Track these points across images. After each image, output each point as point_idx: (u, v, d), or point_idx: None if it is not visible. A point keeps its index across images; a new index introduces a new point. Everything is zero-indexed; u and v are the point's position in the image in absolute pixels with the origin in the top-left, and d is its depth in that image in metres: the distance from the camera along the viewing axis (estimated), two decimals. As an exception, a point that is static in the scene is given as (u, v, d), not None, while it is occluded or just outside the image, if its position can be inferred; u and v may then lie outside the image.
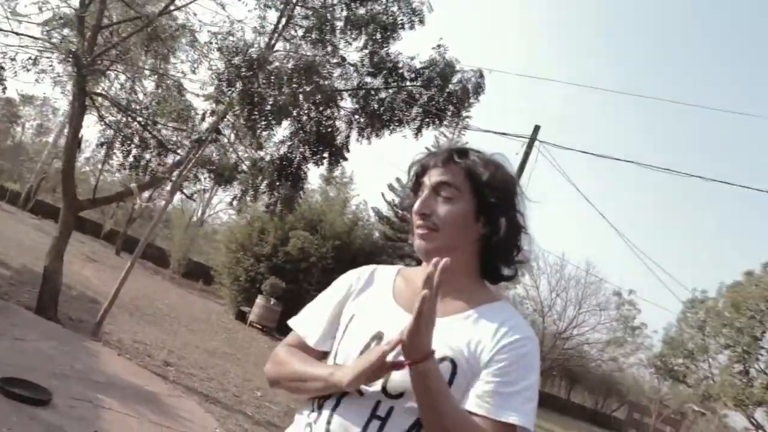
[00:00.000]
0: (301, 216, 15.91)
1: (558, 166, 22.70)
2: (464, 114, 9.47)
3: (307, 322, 1.44)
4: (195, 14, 8.37)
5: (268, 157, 8.80)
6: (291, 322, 1.47)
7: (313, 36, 8.52)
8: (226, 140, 8.83)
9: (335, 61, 8.41)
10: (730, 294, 25.78)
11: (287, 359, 1.37)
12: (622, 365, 32.22)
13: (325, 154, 8.97)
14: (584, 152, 13.57)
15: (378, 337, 1.28)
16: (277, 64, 8.12)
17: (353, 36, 8.65)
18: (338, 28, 8.62)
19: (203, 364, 8.19)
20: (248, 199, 9.28)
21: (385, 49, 8.61)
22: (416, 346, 1.13)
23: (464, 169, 1.32)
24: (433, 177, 1.34)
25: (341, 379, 1.21)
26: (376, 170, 45.29)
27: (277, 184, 8.80)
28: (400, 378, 1.21)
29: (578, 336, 29.86)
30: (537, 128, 10.73)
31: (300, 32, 8.60)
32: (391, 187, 21.35)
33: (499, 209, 1.32)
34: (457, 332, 1.26)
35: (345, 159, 9.31)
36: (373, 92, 8.83)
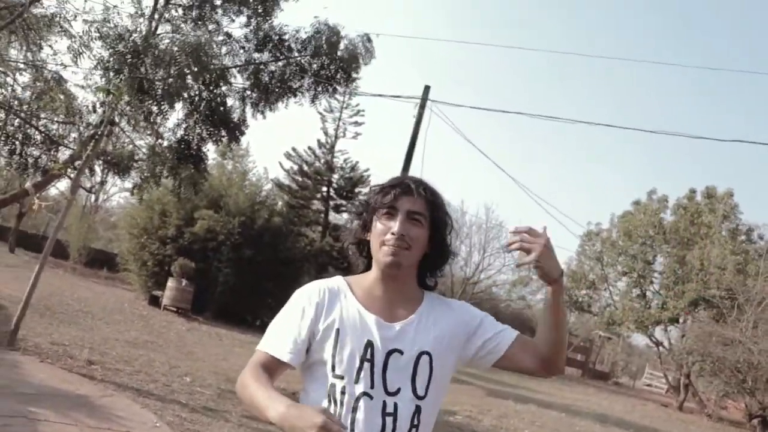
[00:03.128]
0: (203, 194, 15.70)
1: (451, 122, 23.26)
2: (355, 77, 9.66)
3: (280, 343, 1.58)
4: (66, 1, 7.97)
5: (165, 142, 8.69)
6: (262, 347, 1.61)
7: (194, 14, 8.39)
8: (119, 130, 8.63)
9: (221, 38, 8.34)
10: (622, 224, 27.34)
11: (250, 383, 1.51)
12: (530, 302, 33.77)
13: (223, 133, 8.95)
14: (474, 108, 14.14)
15: (370, 345, 1.56)
16: (162, 47, 7.98)
17: (235, 11, 8.58)
18: (218, 4, 8.52)
19: (127, 357, 8.17)
20: (149, 185, 9.15)
21: (269, 22, 8.60)
22: (554, 266, 1.58)
23: (427, 202, 1.66)
24: (406, 205, 1.62)
25: (273, 418, 1.38)
26: (273, 138, 44.61)
27: (179, 167, 8.73)
28: (394, 379, 1.54)
29: (486, 279, 31.06)
30: (427, 88, 11.06)
31: (180, 12, 8.43)
32: (288, 156, 21.25)
33: (441, 236, 1.68)
34: (424, 331, 1.62)
35: (243, 134, 9.33)
36: (262, 66, 8.84)
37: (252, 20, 8.46)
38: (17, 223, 21.48)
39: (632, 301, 26.61)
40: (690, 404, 24.19)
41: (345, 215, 20.41)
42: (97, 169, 9.75)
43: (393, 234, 1.59)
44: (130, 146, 8.73)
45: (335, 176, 20.77)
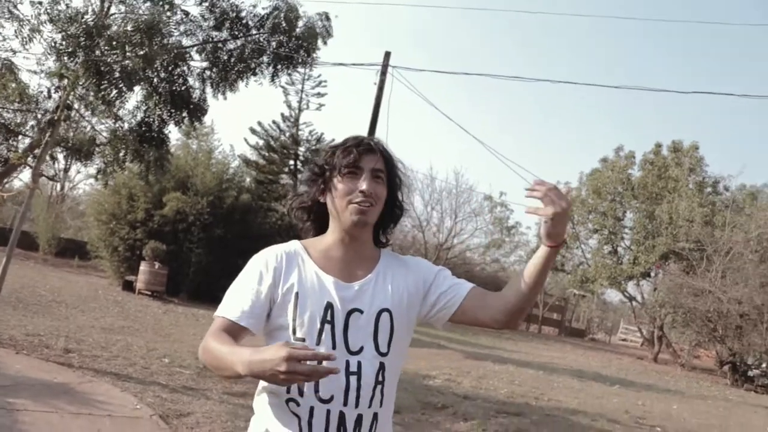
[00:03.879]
0: (170, 176, 15.51)
1: (413, 87, 23.19)
2: (314, 54, 9.57)
3: (238, 307, 1.59)
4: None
5: (126, 125, 8.55)
6: (220, 312, 1.61)
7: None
8: (78, 114, 8.46)
9: (177, 17, 8.17)
10: (590, 181, 27.53)
11: (212, 345, 1.51)
12: (504, 265, 34.00)
13: (184, 114, 8.83)
14: (436, 71, 14.09)
15: (330, 307, 1.58)
16: (115, 28, 7.80)
17: (188, -13, 8.40)
18: (170, -20, 8.32)
19: (104, 343, 8.15)
20: (114, 170, 9.02)
21: (225, -1, 8.45)
22: (563, 230, 1.58)
23: (386, 159, 1.69)
24: (370, 163, 1.65)
25: (242, 372, 1.38)
26: (237, 114, 44.09)
27: (142, 150, 8.61)
28: (356, 338, 1.58)
29: (459, 244, 31.16)
30: (388, 54, 11.02)
31: (132, -10, 8.22)
32: (253, 131, 21.04)
33: (396, 192, 1.73)
34: (382, 287, 1.65)
35: (204, 114, 9.20)
36: (220, 45, 8.71)
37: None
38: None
39: (604, 257, 27.03)
40: (664, 356, 24.88)
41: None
42: (60, 156, 9.58)
43: (362, 192, 1.60)
44: (91, 131, 8.57)
45: (302, 149, 20.68)
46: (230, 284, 1.68)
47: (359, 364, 1.57)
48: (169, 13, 7.96)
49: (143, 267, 15.15)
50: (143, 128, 8.48)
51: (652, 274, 26.05)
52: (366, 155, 1.65)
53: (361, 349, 1.58)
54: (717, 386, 18.40)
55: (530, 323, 34.02)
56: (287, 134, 20.73)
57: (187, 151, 18.08)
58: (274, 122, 20.85)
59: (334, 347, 1.56)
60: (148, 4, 7.95)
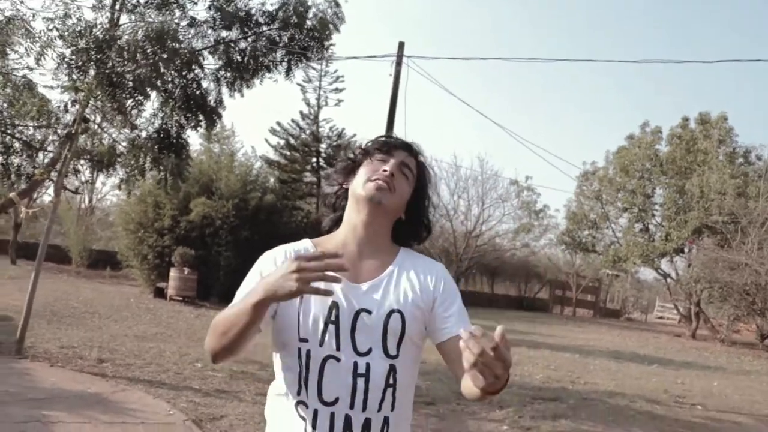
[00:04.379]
0: (194, 181, 15.63)
1: (429, 76, 23.04)
2: (327, 44, 9.51)
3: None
4: (22, 2, 7.80)
5: (144, 134, 8.59)
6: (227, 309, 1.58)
7: (155, 1, 8.21)
8: (95, 126, 8.53)
9: (186, 23, 8.17)
10: (617, 160, 27.03)
11: (216, 319, 1.49)
12: (534, 249, 33.58)
13: (201, 117, 8.84)
14: (452, 58, 13.94)
15: (335, 306, 1.53)
16: (126, 38, 7.83)
17: (196, -7, 8.39)
18: (178, -14, 8.31)
19: (137, 351, 8.22)
20: (136, 179, 9.08)
21: (233, 3, 8.42)
22: (503, 382, 1.26)
23: (419, 165, 1.68)
24: (400, 156, 1.64)
25: (251, 299, 1.38)
26: (256, 116, 44.12)
27: (161, 157, 8.65)
28: (364, 339, 1.51)
29: (488, 231, 30.82)
30: (402, 44, 10.93)
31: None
32: (273, 131, 21.08)
33: (420, 203, 1.69)
34: (394, 288, 1.58)
35: (220, 116, 9.21)
36: (232, 45, 8.69)
37: (215, 1, 8.26)
38: (15, 234, 21.42)
39: (636, 236, 26.61)
40: (702, 332, 24.40)
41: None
42: (83, 169, 9.68)
43: (384, 171, 1.59)
44: (110, 141, 8.63)
45: (323, 146, 20.67)
46: None
47: (368, 365, 1.51)
48: (178, 20, 7.95)
49: (173, 273, 15.30)
50: (161, 135, 8.51)
51: (686, 250, 25.57)
52: (400, 150, 1.66)
53: (370, 350, 1.52)
54: (759, 360, 18.00)
55: (564, 306, 33.73)
56: (307, 132, 20.75)
57: (210, 156, 18.21)
58: (293, 121, 20.89)
59: (338, 348, 1.50)
60: (156, 12, 7.95)
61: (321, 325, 1.52)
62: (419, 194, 1.68)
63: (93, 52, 7.18)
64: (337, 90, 20.55)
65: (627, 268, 28.19)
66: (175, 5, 8.11)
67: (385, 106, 11.30)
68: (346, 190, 1.67)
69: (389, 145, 1.65)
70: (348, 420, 1.48)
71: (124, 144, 8.71)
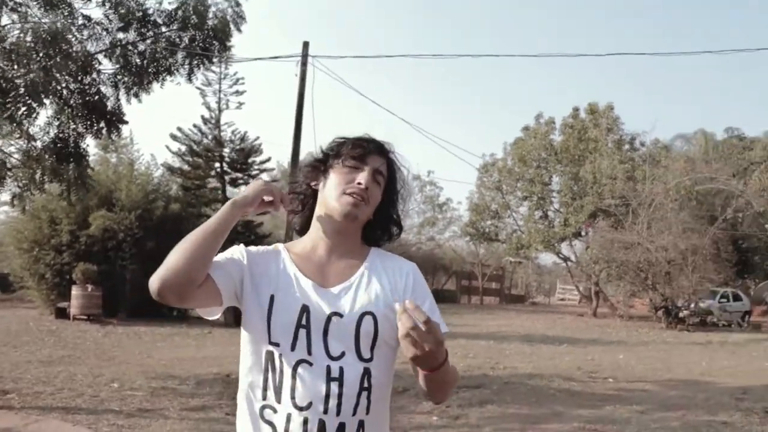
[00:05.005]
0: (92, 193, 14.83)
1: (335, 75, 22.94)
2: (229, 45, 9.26)
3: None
4: None
5: (39, 144, 8.03)
6: None
7: (42, -1, 7.67)
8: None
9: (80, 23, 7.71)
10: (515, 150, 28.14)
11: (183, 239, 1.49)
12: (439, 242, 34.49)
13: (102, 124, 8.37)
14: (357, 56, 14.01)
15: (305, 310, 1.49)
16: (13, 39, 7.29)
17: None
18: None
19: (45, 378, 7.71)
20: (31, 193, 8.48)
21: (128, -1, 8.02)
22: (437, 358, 1.37)
23: (390, 165, 1.65)
24: (374, 163, 1.60)
25: (223, 211, 1.51)
26: (156, 123, 42.32)
27: (60, 168, 8.12)
28: (336, 343, 1.48)
29: (393, 227, 31.28)
30: (306, 44, 10.83)
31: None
32: (174, 137, 20.32)
33: (390, 204, 1.67)
34: (365, 290, 1.55)
35: (124, 123, 8.76)
36: (130, 47, 8.29)
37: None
38: None
39: (536, 223, 27.79)
40: (603, 309, 25.86)
41: (243, 188, 19.94)
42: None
43: (359, 185, 1.55)
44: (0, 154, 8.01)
45: (226, 150, 20.16)
46: None
47: (341, 369, 1.47)
48: (71, 19, 7.49)
49: (75, 291, 14.49)
50: (59, 145, 7.98)
51: (583, 233, 26.96)
52: (374, 155, 1.62)
53: (343, 354, 1.49)
54: (654, 331, 19.30)
55: (471, 295, 34.66)
56: (210, 137, 20.15)
57: (107, 166, 17.39)
58: (195, 126, 20.19)
59: (309, 353, 1.47)
60: (42, 11, 7.45)
61: (292, 330, 1.49)
62: (390, 194, 1.66)
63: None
64: (238, 93, 20.06)
65: (529, 255, 29.37)
66: (62, 4, 7.61)
67: (292, 107, 11.19)
68: (315, 191, 1.63)
69: (364, 151, 1.61)
70: (322, 425, 1.45)
71: (17, 156, 8.12)
